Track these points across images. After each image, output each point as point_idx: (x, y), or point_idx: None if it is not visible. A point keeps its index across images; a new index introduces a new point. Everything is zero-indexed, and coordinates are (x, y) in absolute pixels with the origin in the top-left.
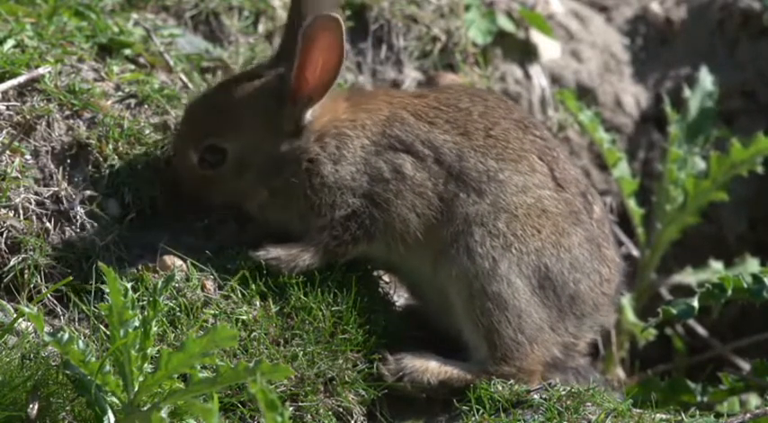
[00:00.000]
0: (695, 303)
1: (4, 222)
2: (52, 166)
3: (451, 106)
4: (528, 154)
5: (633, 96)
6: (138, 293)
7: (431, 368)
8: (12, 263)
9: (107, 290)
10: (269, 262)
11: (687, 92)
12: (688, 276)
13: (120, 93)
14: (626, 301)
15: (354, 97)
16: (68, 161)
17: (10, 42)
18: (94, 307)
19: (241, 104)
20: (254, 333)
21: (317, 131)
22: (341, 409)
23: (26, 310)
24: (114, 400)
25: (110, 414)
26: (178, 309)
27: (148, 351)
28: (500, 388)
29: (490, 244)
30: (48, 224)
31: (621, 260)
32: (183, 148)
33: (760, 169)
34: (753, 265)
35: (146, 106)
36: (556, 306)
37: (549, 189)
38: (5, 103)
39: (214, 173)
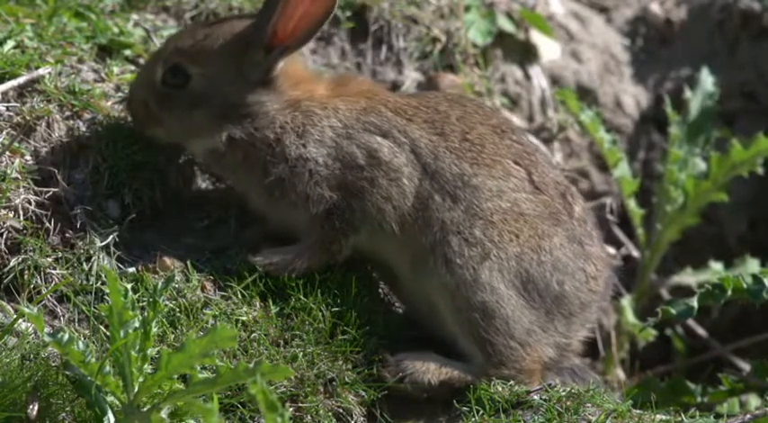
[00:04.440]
0: (695, 304)
1: (4, 223)
2: (52, 167)
3: (430, 108)
4: (503, 159)
5: (633, 97)
6: (138, 294)
7: (431, 369)
8: (12, 263)
9: (107, 290)
10: (267, 268)
11: (688, 92)
12: (688, 277)
13: (120, 93)
14: (626, 301)
15: (336, 87)
16: (68, 162)
17: (10, 43)
18: (94, 308)
19: (215, 41)
20: (253, 334)
21: (289, 99)
22: (341, 410)
23: (26, 310)
24: (114, 400)
25: (110, 415)
26: (178, 309)
27: (148, 352)
28: (500, 389)
29: (468, 253)
30: (48, 224)
31: (607, 255)
32: (152, 62)
33: (760, 170)
34: (753, 265)
35: None
36: (543, 307)
37: (526, 192)
38: (5, 104)
39: (172, 94)
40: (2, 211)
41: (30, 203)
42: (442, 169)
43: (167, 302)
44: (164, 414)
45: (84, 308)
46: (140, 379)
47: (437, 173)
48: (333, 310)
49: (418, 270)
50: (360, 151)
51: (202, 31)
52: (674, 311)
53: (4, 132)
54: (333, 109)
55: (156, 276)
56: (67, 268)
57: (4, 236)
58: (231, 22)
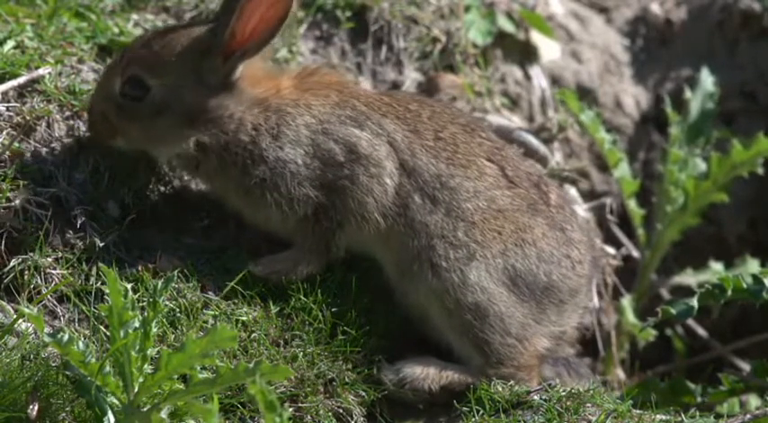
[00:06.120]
0: (695, 303)
1: (5, 223)
2: (52, 167)
3: (401, 106)
4: (476, 158)
5: (633, 97)
6: (138, 294)
7: (431, 374)
8: (12, 263)
9: (107, 291)
10: (269, 277)
11: (688, 93)
12: (688, 277)
13: None
14: (626, 301)
15: (304, 81)
16: (68, 162)
17: (10, 43)
18: (94, 308)
19: (170, 49)
20: (253, 334)
21: (253, 99)
22: (341, 410)
23: (26, 310)
24: (114, 400)
25: (110, 415)
26: (178, 310)
27: (148, 352)
28: (500, 389)
29: (454, 256)
30: (48, 224)
31: (589, 238)
32: (110, 74)
33: (760, 170)
34: (753, 265)
35: None
36: (533, 299)
37: (501, 188)
38: (5, 104)
39: (132, 106)
40: (2, 211)
41: (30, 203)
42: (420, 167)
43: (167, 302)
44: (164, 414)
45: (84, 308)
46: (140, 379)
47: (415, 170)
48: (333, 310)
49: (405, 275)
50: (338, 146)
51: (159, 41)
52: (674, 311)
53: (4, 132)
54: (305, 106)
55: (156, 276)
56: (67, 268)
57: (4, 236)
58: (188, 29)
